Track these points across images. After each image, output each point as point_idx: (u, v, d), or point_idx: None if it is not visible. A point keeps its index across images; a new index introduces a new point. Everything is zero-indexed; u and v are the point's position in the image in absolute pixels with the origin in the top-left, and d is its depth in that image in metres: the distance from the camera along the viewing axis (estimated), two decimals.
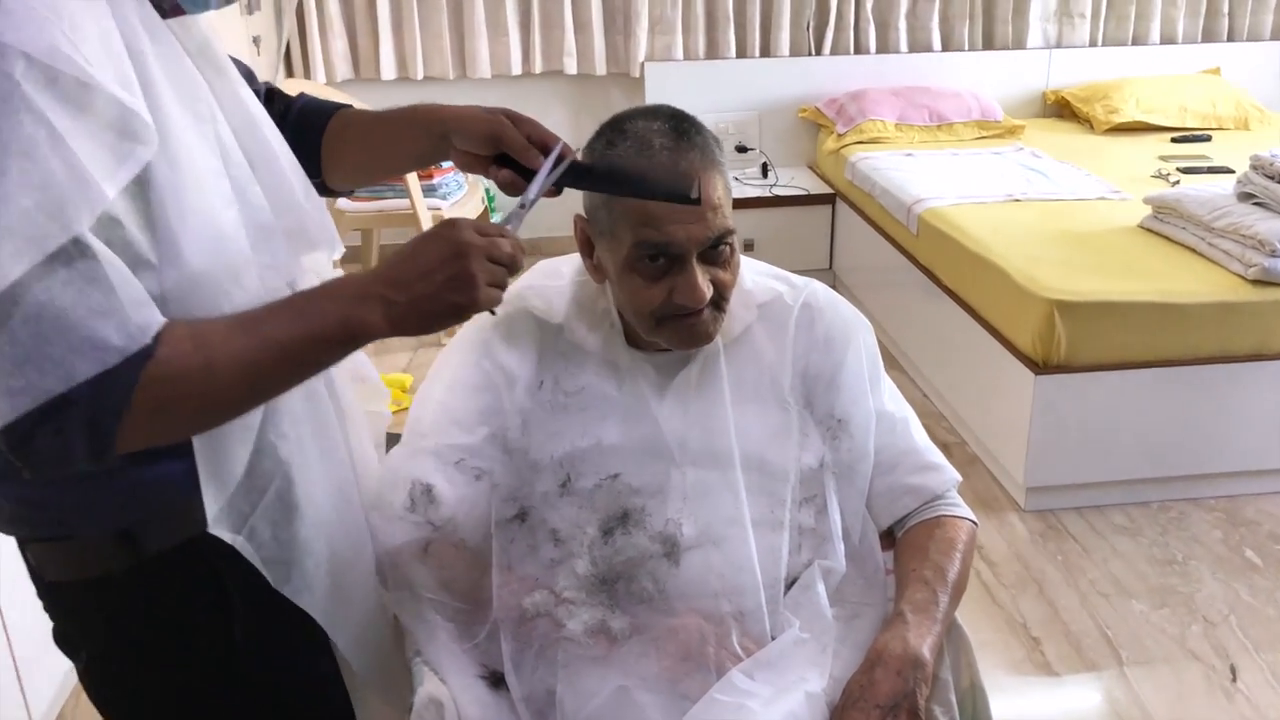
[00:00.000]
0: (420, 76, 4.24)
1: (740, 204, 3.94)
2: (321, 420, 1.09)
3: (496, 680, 1.18)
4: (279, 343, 0.87)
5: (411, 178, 3.55)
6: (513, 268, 0.97)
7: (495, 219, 4.36)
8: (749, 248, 4.02)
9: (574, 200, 1.22)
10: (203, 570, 0.98)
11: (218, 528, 0.96)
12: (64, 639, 1.03)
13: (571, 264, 1.35)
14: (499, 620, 1.19)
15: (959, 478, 1.35)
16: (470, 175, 3.98)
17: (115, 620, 0.97)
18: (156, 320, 0.80)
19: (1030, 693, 2.16)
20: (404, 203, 3.66)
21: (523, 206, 1.05)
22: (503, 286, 0.96)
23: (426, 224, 3.61)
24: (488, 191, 4.24)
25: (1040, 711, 2.11)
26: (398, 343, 3.72)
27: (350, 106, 1.26)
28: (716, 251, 1.18)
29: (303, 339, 0.89)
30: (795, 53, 4.44)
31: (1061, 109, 4.59)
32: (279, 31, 4.18)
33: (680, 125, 1.18)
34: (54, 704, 2.06)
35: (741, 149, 4.37)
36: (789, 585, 1.24)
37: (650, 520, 1.22)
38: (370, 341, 0.93)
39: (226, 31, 3.48)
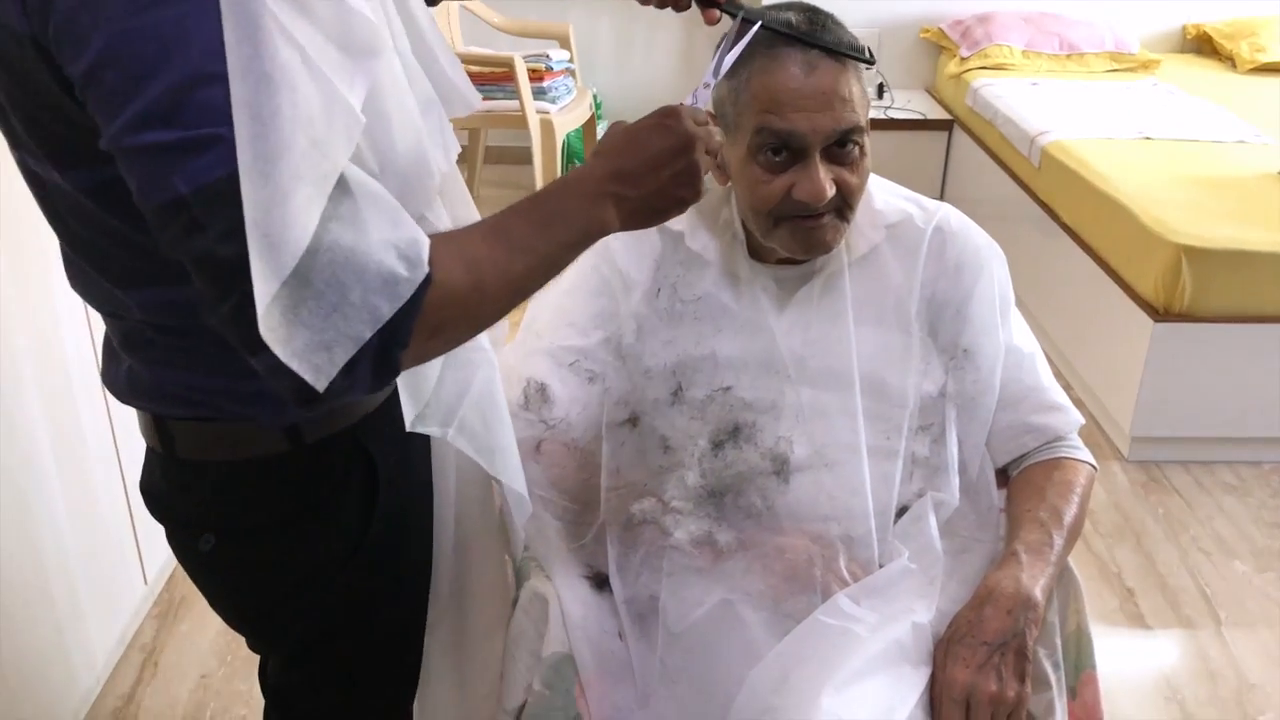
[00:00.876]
0: None
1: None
2: None
3: (600, 582, 1.18)
4: (535, 252, 0.85)
5: (523, 78, 3.51)
6: (716, 155, 0.94)
7: (601, 127, 4.32)
8: None
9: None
10: (358, 453, 0.99)
11: (421, 426, 0.96)
12: (188, 519, 1.00)
13: None
14: (606, 523, 1.20)
15: (1082, 420, 1.31)
16: (580, 82, 3.93)
17: (257, 500, 0.97)
18: (425, 241, 0.78)
19: (1121, 642, 2.12)
20: (513, 104, 3.63)
21: (706, 86, 1.00)
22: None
23: (535, 127, 3.59)
24: (596, 97, 4.19)
25: (1131, 662, 2.07)
26: None
27: None
28: (844, 150, 1.13)
29: (555, 245, 0.87)
30: None
31: (1202, 45, 4.34)
32: None
33: (817, 17, 1.13)
34: (166, 567, 2.15)
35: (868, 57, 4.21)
36: (899, 514, 1.22)
37: (761, 436, 1.20)
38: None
39: None
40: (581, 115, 3.81)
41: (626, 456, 1.23)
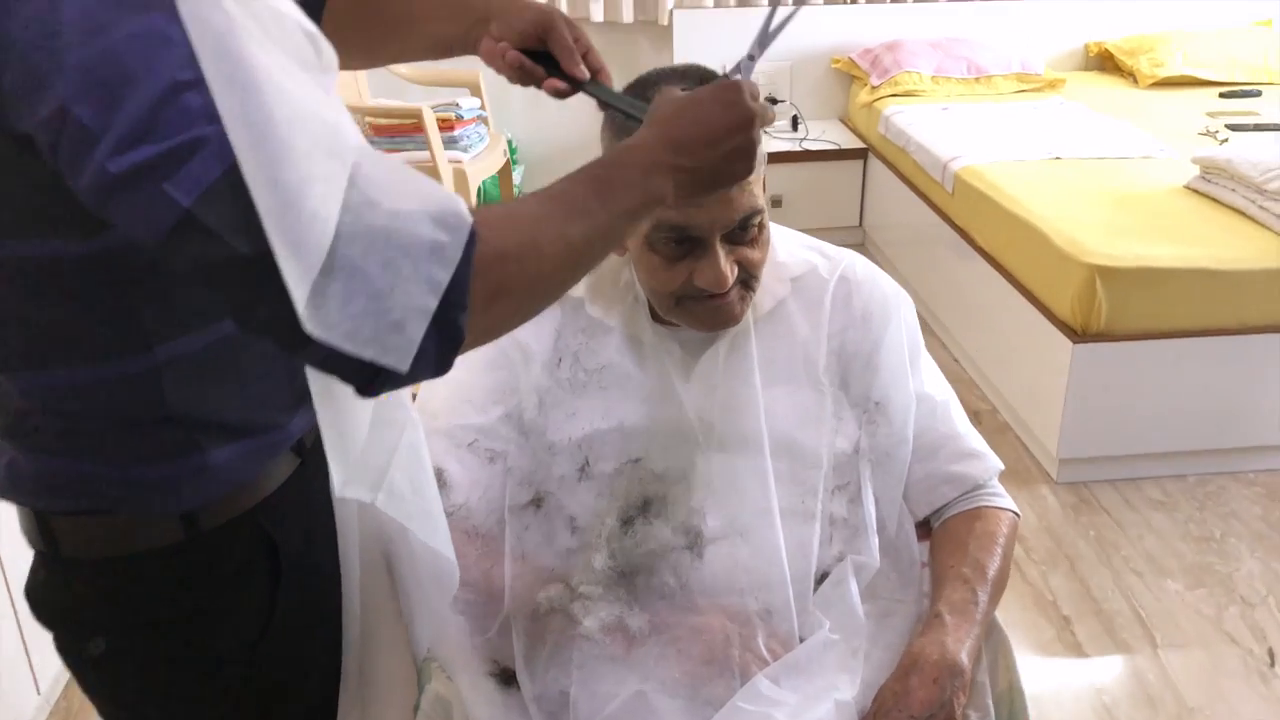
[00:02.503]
0: None
1: (769, 158, 3.82)
2: None
3: (507, 678, 1.12)
4: (592, 216, 0.82)
5: (432, 128, 3.45)
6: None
7: (518, 173, 4.28)
8: (776, 204, 3.91)
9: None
10: (259, 539, 0.93)
11: (351, 490, 0.91)
12: (76, 623, 0.93)
13: None
14: (511, 614, 1.14)
15: (1001, 466, 1.28)
16: (493, 128, 3.88)
17: (151, 597, 0.90)
18: (460, 203, 0.75)
19: (1059, 673, 2.10)
20: (424, 155, 3.56)
21: (752, 59, 0.97)
22: None
23: (448, 177, 3.53)
24: (510, 143, 4.14)
25: (1069, 692, 2.05)
26: None
27: None
28: (744, 231, 1.10)
29: (613, 213, 0.84)
30: (830, 0, 4.28)
31: (1104, 62, 4.43)
32: None
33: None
34: (61, 675, 2.03)
35: (772, 100, 4.23)
36: (819, 580, 1.18)
37: (673, 509, 1.16)
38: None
39: None
40: (496, 162, 3.76)
41: (531, 540, 1.17)
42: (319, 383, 0.83)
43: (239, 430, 0.89)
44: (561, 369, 1.20)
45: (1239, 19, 4.40)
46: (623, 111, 1.02)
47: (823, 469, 1.19)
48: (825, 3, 4.27)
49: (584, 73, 1.03)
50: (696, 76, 1.10)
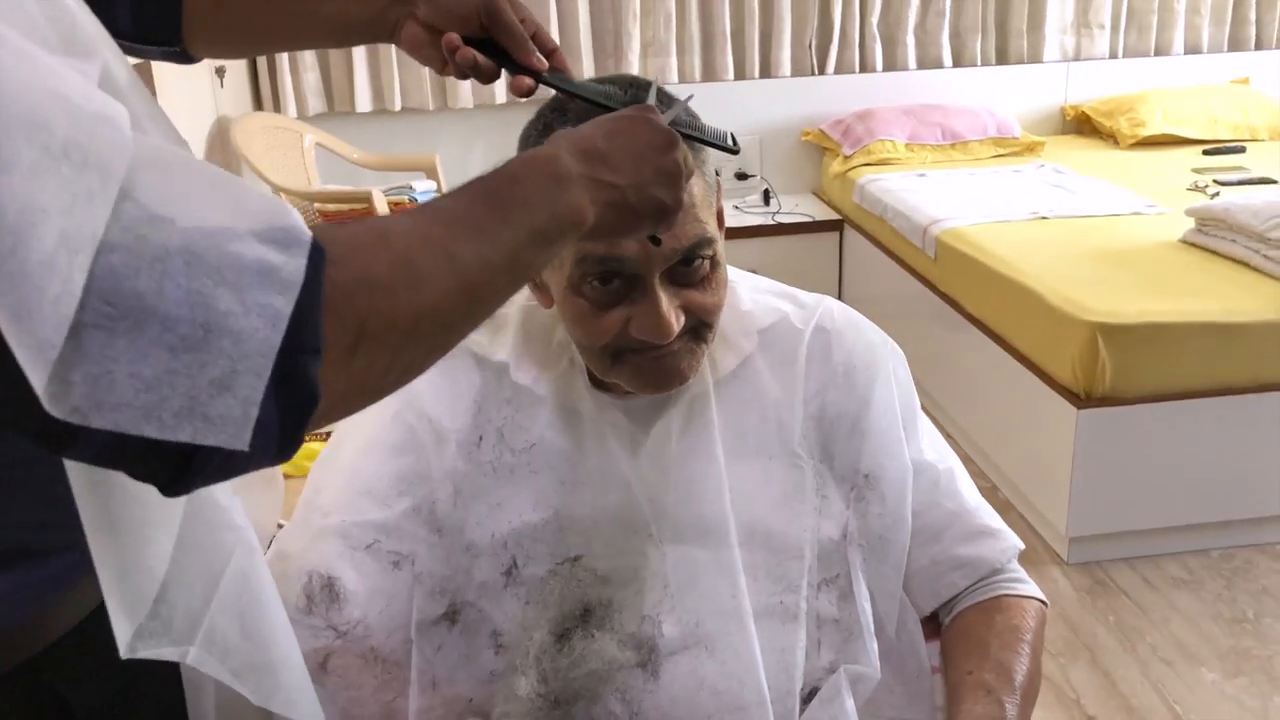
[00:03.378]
0: (398, 108, 3.99)
1: (741, 233, 3.67)
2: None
3: None
4: (489, 235, 0.62)
5: (382, 211, 3.28)
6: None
7: None
8: None
9: None
10: (44, 699, 0.70)
11: (146, 647, 0.67)
12: None
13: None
14: None
15: (1020, 545, 1.06)
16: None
17: None
18: (293, 213, 0.53)
19: None
20: None
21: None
22: None
23: None
24: None
25: None
26: None
27: None
28: (690, 269, 0.89)
29: (517, 231, 0.63)
30: (797, 72, 4.19)
31: (1082, 125, 4.33)
32: (249, 62, 3.95)
33: (640, 98, 0.88)
34: None
35: (741, 176, 4.10)
36: (806, 699, 0.94)
37: (621, 618, 0.93)
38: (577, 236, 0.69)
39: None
40: None
41: (445, 664, 0.94)
42: (83, 485, 0.60)
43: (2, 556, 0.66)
44: (482, 450, 0.98)
45: (1216, 78, 4.32)
46: (593, 102, 0.84)
47: (805, 560, 0.97)
48: (792, 75, 4.17)
49: (541, 62, 0.85)
50: (624, 84, 0.91)
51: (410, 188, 3.46)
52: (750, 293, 1.06)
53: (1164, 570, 2.42)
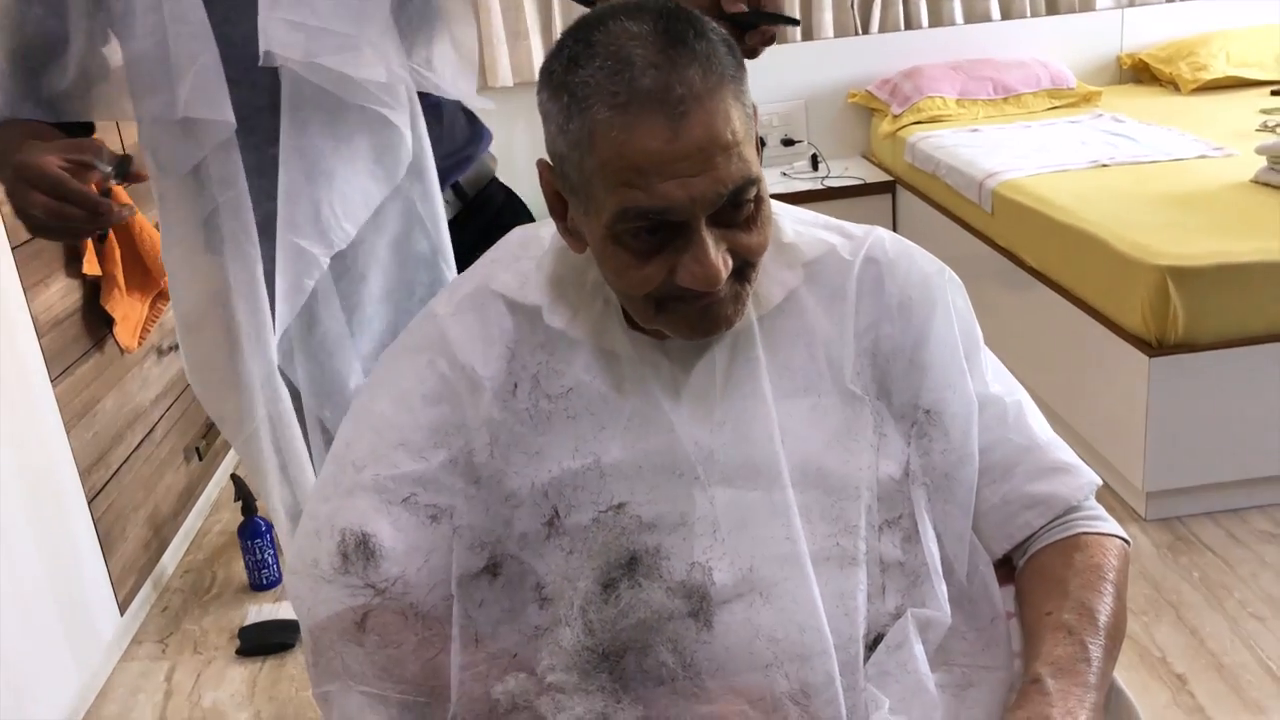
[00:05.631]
0: None
1: (790, 199, 3.59)
2: None
3: None
4: None
5: None
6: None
7: None
8: None
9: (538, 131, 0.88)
10: None
11: None
12: None
13: (553, 227, 1.01)
14: (459, 717, 0.85)
15: (1098, 480, 0.99)
16: None
17: None
18: None
19: None
20: None
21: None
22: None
23: None
24: None
25: None
26: None
27: None
28: (736, 210, 0.83)
29: None
30: (840, 33, 4.08)
31: (1139, 73, 4.17)
32: None
33: (674, 28, 0.81)
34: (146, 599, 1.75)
35: (788, 142, 4.01)
36: (871, 646, 0.88)
37: (668, 565, 0.88)
38: None
39: None
40: None
41: (487, 619, 0.89)
42: None
43: None
44: (518, 397, 0.94)
45: (1275, 16, 4.13)
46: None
47: (863, 500, 0.91)
48: (835, 36, 4.07)
49: None
50: (654, 12, 0.84)
51: None
52: (794, 224, 1.00)
53: (1250, 524, 2.31)
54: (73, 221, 1.04)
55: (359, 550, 0.90)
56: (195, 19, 1.10)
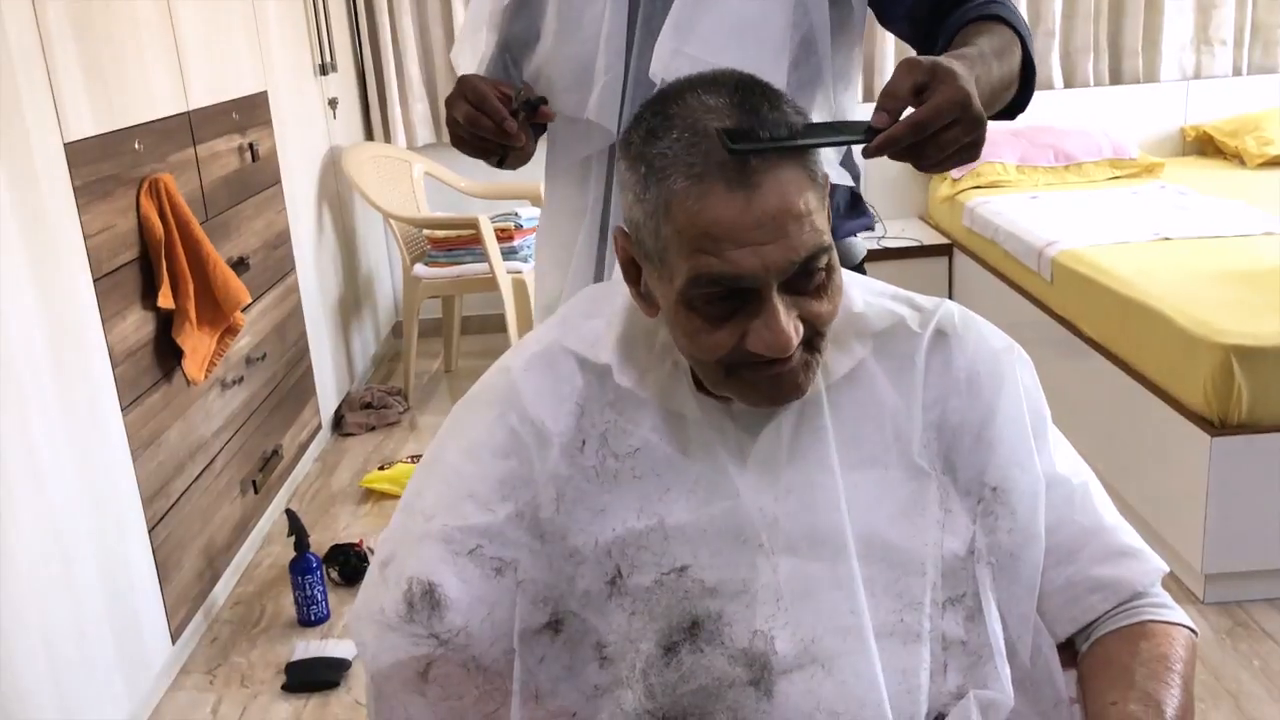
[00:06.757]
0: None
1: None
2: None
3: None
4: None
5: (489, 238, 3.31)
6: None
7: None
8: None
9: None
10: None
11: None
12: None
13: (624, 289, 1.03)
14: None
15: (1165, 567, 0.98)
16: None
17: None
18: None
19: None
20: (482, 266, 3.42)
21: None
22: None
23: (507, 288, 3.36)
24: None
25: None
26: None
27: None
28: (807, 278, 0.84)
29: None
30: None
31: (1204, 145, 4.14)
32: (360, 94, 4.05)
33: (748, 101, 0.84)
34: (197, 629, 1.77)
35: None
36: None
37: (731, 632, 0.88)
38: None
39: (301, 92, 3.33)
40: None
41: (548, 675, 0.90)
42: None
43: None
44: (585, 454, 0.95)
45: None
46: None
47: (928, 576, 0.91)
48: None
49: None
50: (731, 85, 0.87)
51: (515, 214, 3.49)
52: (864, 294, 1.01)
53: None
54: (482, 130, 1.18)
55: (425, 600, 0.91)
56: (618, 35, 1.23)
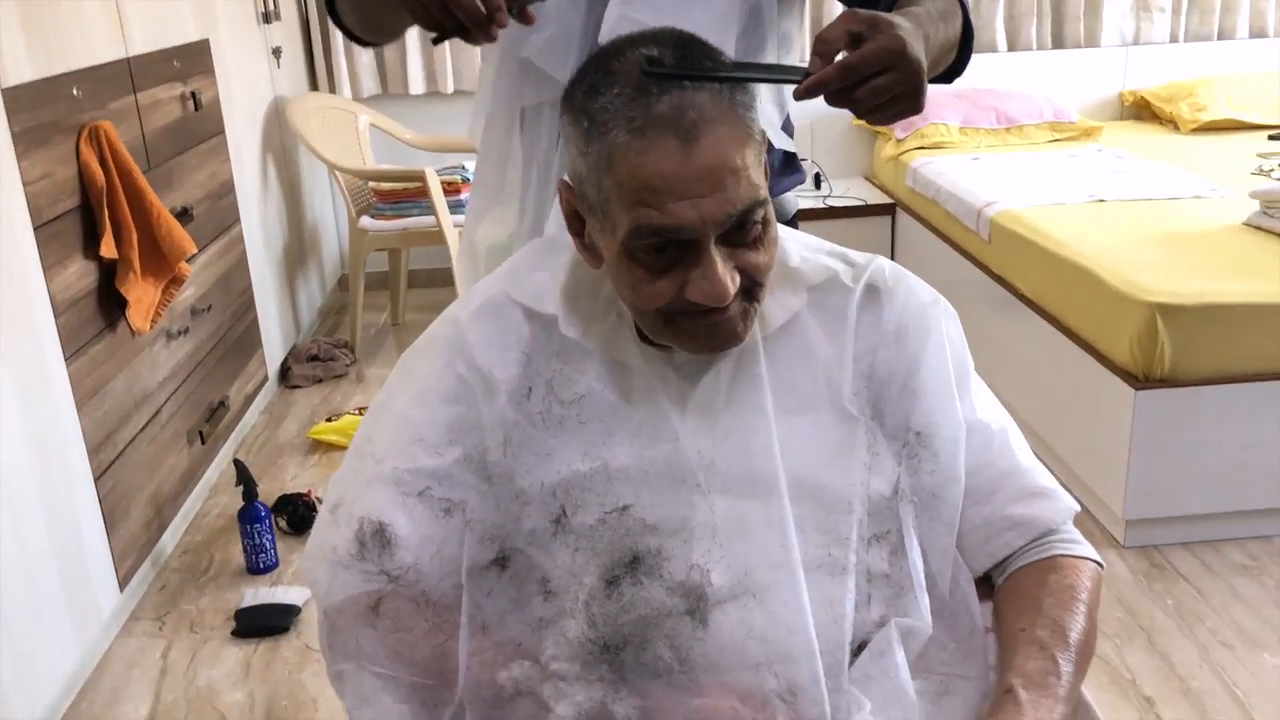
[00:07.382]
0: (450, 90, 4.01)
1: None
2: None
3: None
4: None
5: (436, 191, 3.31)
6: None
7: None
8: None
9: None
10: None
11: None
12: None
13: (570, 242, 1.06)
14: (467, 701, 0.91)
15: (1076, 506, 1.04)
16: None
17: None
18: None
19: None
20: (429, 219, 3.42)
21: None
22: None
23: (453, 241, 3.37)
24: None
25: None
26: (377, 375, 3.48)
27: None
28: (743, 230, 0.89)
29: None
30: None
31: (1141, 110, 4.25)
32: (305, 44, 4.00)
33: (689, 55, 0.88)
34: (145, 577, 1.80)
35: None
36: (856, 651, 0.94)
37: (669, 566, 0.93)
38: None
39: (244, 41, 3.28)
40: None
41: (495, 608, 0.95)
42: None
43: None
44: (532, 400, 0.99)
45: (1276, 63, 4.21)
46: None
47: (855, 514, 0.97)
48: None
49: None
50: (670, 41, 0.90)
51: (463, 168, 3.49)
52: (800, 250, 1.06)
53: (1225, 556, 2.37)
54: (463, 8, 0.97)
55: (375, 539, 0.95)
56: None
